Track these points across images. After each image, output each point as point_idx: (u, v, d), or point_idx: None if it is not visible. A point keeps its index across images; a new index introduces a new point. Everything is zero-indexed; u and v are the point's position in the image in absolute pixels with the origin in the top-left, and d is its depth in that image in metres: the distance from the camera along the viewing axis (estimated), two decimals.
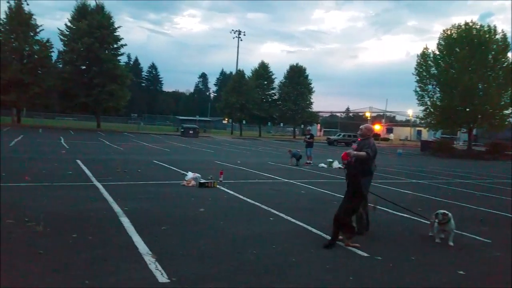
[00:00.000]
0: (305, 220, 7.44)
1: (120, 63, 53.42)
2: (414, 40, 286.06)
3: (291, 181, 13.30)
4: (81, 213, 7.00)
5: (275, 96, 70.66)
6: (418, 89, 45.99)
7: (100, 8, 51.11)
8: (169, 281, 4.30)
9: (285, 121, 73.72)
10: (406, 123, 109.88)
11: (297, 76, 67.49)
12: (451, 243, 6.51)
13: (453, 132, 60.30)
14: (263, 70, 69.37)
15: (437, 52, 44.59)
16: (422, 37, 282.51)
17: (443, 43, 44.05)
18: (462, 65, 41.37)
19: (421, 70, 45.53)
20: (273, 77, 70.54)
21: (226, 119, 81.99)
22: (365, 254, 5.71)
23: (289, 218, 7.68)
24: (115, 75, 49.48)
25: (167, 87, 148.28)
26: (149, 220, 6.82)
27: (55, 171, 11.91)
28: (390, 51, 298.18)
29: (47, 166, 12.88)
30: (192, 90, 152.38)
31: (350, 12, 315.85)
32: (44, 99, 48.78)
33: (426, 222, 7.38)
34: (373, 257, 5.62)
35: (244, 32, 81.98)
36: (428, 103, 45.70)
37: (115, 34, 51.71)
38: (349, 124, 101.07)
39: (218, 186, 10.94)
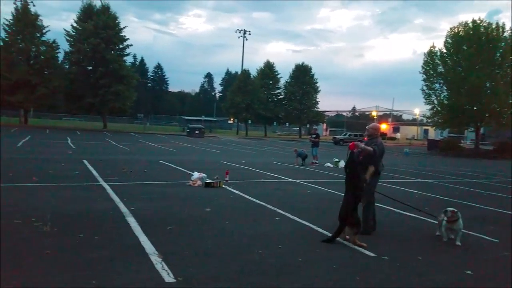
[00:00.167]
0: (311, 220, 7.42)
1: (126, 64, 53.53)
2: (420, 38, 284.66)
3: (297, 180, 13.28)
4: (88, 213, 7.03)
5: (281, 96, 70.60)
6: (425, 87, 45.82)
7: (105, 9, 51.27)
8: (175, 281, 4.30)
9: (290, 121, 73.62)
10: (413, 122, 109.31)
11: (303, 76, 67.39)
12: (458, 243, 6.47)
13: (460, 131, 59.96)
14: (268, 70, 69.33)
15: (444, 51, 44.37)
16: (429, 35, 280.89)
17: (450, 41, 43.81)
18: (469, 63, 41.12)
19: (428, 68, 45.32)
20: (278, 76, 70.54)
21: (232, 119, 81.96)
22: (372, 254, 5.69)
23: (295, 218, 7.67)
24: (121, 75, 49.63)
25: (173, 87, 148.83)
26: (155, 220, 6.83)
27: (62, 172, 11.96)
28: (397, 50, 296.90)
29: (54, 167, 12.93)
30: (197, 90, 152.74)
31: (356, 11, 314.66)
32: (51, 100, 49.04)
33: (433, 221, 7.34)
34: (380, 257, 5.60)
35: (250, 31, 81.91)
36: (435, 101, 45.50)
37: (121, 34, 51.84)
38: (355, 124, 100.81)
39: (224, 186, 10.94)
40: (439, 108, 45.20)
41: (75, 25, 50.52)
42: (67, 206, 7.50)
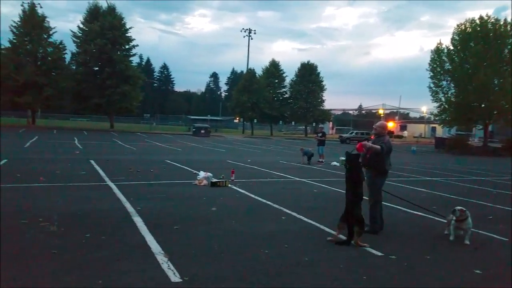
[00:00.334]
0: (317, 219, 7.38)
1: (132, 64, 53.78)
2: (427, 35, 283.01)
3: (303, 179, 13.24)
4: (95, 213, 7.05)
5: (287, 95, 70.56)
6: (432, 85, 45.53)
7: (111, 10, 51.47)
8: (181, 280, 4.29)
9: (296, 120, 73.59)
10: (420, 120, 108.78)
11: (308, 74, 67.28)
12: (467, 242, 6.40)
13: (468, 129, 59.56)
14: (274, 69, 69.28)
15: (451, 48, 44.07)
16: (436, 32, 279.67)
17: (457, 38, 43.48)
18: (477, 60, 40.79)
19: (435, 66, 45.03)
20: (284, 75, 70.50)
21: (237, 118, 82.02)
22: (379, 253, 5.65)
23: (301, 217, 7.64)
24: (127, 75, 49.84)
25: (179, 87, 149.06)
26: (161, 220, 6.83)
27: (69, 172, 12.02)
28: (404, 47, 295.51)
29: (61, 167, 12.99)
30: (203, 89, 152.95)
31: (362, 9, 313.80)
32: (58, 101, 49.37)
33: (441, 220, 7.28)
34: (388, 256, 5.55)
35: (255, 30, 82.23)
36: (443, 99, 45.21)
37: (127, 35, 52.09)
38: (362, 122, 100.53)
39: (229, 185, 10.93)
40: (446, 106, 44.91)
41: (81, 26, 50.89)
42: (74, 206, 7.52)
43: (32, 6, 47.41)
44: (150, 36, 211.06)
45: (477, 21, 42.37)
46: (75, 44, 50.95)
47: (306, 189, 11.38)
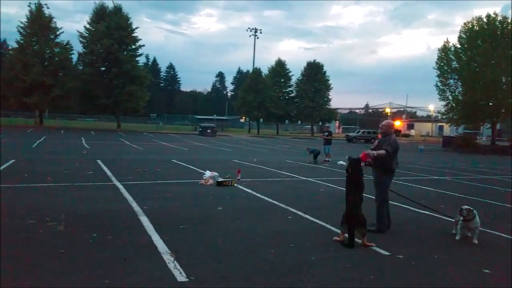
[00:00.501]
0: (324, 219, 7.35)
1: (138, 64, 53.97)
2: (434, 33, 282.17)
3: (309, 179, 13.21)
4: (101, 213, 7.06)
5: (293, 94, 70.51)
6: (439, 83, 45.36)
7: (118, 10, 51.64)
8: (187, 280, 4.29)
9: (302, 119, 73.48)
10: (428, 119, 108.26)
11: (315, 73, 67.21)
12: (475, 241, 6.35)
13: (476, 127, 59.18)
14: (280, 68, 69.22)
15: (459, 46, 43.81)
16: (443, 30, 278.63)
17: (464, 36, 43.25)
18: (484, 58, 40.53)
19: (442, 64, 44.84)
20: (290, 74, 70.40)
21: (244, 117, 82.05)
22: (387, 253, 5.61)
23: (307, 216, 7.61)
24: (134, 76, 50.02)
25: (185, 87, 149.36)
26: (168, 219, 6.84)
27: (76, 172, 12.07)
28: (410, 46, 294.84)
29: (68, 167, 13.05)
30: (209, 89, 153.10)
31: (369, 7, 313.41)
32: (66, 101, 49.57)
33: (449, 219, 7.22)
34: (395, 256, 5.52)
35: (261, 30, 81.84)
36: (450, 97, 45.01)
37: (133, 35, 52.27)
38: (368, 121, 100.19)
39: (236, 184, 10.92)
40: (453, 104, 44.69)
41: (88, 26, 51.13)
42: (81, 205, 7.55)
43: (39, 7, 47.71)
44: (156, 36, 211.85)
45: (484, 19, 42.09)
46: (81, 45, 51.29)
47: (313, 188, 11.34)
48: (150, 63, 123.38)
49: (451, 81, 45.11)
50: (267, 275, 4.56)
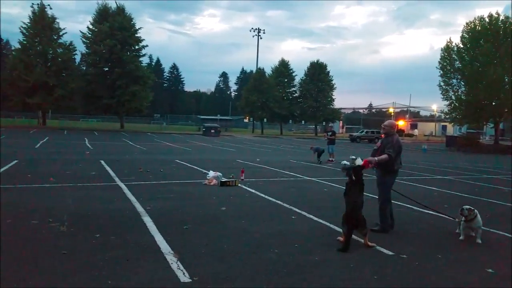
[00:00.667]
0: (328, 219, 7.33)
1: (142, 64, 54.01)
2: (437, 33, 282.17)
3: (313, 179, 13.18)
4: (104, 213, 7.06)
5: (296, 94, 70.48)
6: (442, 83, 45.25)
7: (121, 10, 51.70)
8: (191, 280, 4.28)
9: (306, 119, 73.39)
10: (431, 119, 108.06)
11: (318, 73, 67.14)
12: (479, 241, 6.32)
13: (479, 127, 58.99)
14: (283, 68, 69.20)
15: (461, 46, 43.69)
16: (446, 30, 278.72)
17: (467, 36, 43.14)
18: (487, 58, 40.39)
19: (445, 64, 44.73)
20: (293, 74, 70.37)
21: (247, 117, 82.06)
22: (390, 253, 5.59)
23: (311, 216, 7.59)
24: (137, 76, 50.08)
25: (189, 87, 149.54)
26: (171, 220, 6.83)
27: (79, 172, 12.08)
28: (413, 46, 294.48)
29: (71, 167, 13.07)
30: (213, 89, 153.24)
31: (371, 7, 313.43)
32: (69, 101, 49.72)
33: (453, 219, 7.18)
34: (398, 255, 5.50)
35: (264, 30, 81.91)
36: (453, 97, 44.90)
37: (136, 35, 52.30)
38: (372, 121, 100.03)
39: (239, 184, 10.91)
40: (457, 104, 44.59)
41: (91, 27, 51.16)
42: (84, 206, 7.55)
43: (42, 8, 47.85)
44: (159, 37, 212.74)
45: (486, 19, 41.97)
46: (84, 45, 51.39)
47: (316, 188, 11.32)
48: (153, 63, 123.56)
49: (454, 80, 45.00)
50: (270, 275, 4.54)
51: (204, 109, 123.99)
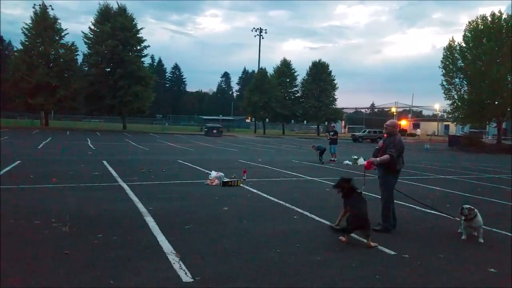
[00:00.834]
0: (329, 218, 7.31)
1: (144, 65, 54.05)
2: (439, 33, 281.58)
3: (315, 179, 13.18)
4: (107, 214, 7.07)
5: (298, 94, 70.45)
6: (444, 82, 45.15)
7: (122, 11, 51.73)
8: (193, 280, 4.28)
9: (308, 119, 73.33)
10: (433, 118, 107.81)
11: (320, 73, 67.08)
12: (481, 240, 6.31)
13: (482, 126, 58.87)
14: (285, 68, 69.15)
15: (464, 45, 43.59)
16: (448, 29, 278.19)
17: (469, 35, 43.03)
18: (490, 57, 40.28)
19: (447, 63, 44.65)
20: (295, 74, 70.33)
21: (249, 117, 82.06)
22: (392, 252, 5.58)
23: (313, 216, 7.59)
24: (139, 76, 50.13)
25: (191, 87, 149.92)
26: (173, 220, 6.83)
27: (81, 172, 12.10)
28: (416, 45, 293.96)
29: (74, 168, 13.09)
30: (215, 89, 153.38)
31: (374, 6, 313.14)
32: (71, 102, 49.81)
33: (455, 219, 7.16)
34: (401, 255, 5.49)
35: (266, 29, 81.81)
36: (455, 96, 44.81)
37: (138, 35, 52.34)
38: (374, 120, 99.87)
39: (241, 184, 10.91)
40: (459, 103, 44.48)
41: (92, 27, 51.22)
42: (86, 206, 7.56)
43: (44, 8, 47.95)
44: (161, 37, 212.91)
45: (489, 18, 41.87)
46: (86, 46, 51.41)
47: (319, 188, 11.31)
48: (155, 63, 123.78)
49: (457, 80, 44.91)
50: (272, 275, 4.54)
51: (206, 109, 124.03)
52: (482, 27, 42.10)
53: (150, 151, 22.74)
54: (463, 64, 43.70)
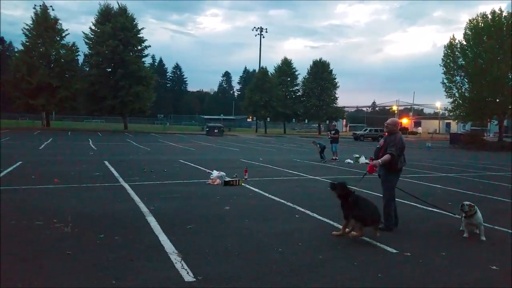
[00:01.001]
0: (331, 217, 7.33)
1: (144, 65, 54.00)
2: (440, 31, 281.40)
3: (316, 177, 13.18)
4: (108, 214, 7.08)
5: (299, 93, 70.42)
6: (445, 80, 45.04)
7: (123, 11, 51.70)
8: (195, 280, 4.29)
9: (309, 118, 73.30)
10: (435, 116, 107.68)
11: (321, 72, 67.05)
12: (483, 238, 6.30)
13: (483, 124, 58.74)
14: (286, 67, 69.12)
15: (464, 43, 43.52)
16: (449, 27, 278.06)
17: (470, 33, 42.95)
18: (490, 55, 40.20)
19: (448, 61, 44.55)
20: (296, 73, 70.31)
21: (251, 117, 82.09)
22: (394, 251, 5.58)
23: (315, 215, 7.59)
24: (140, 76, 50.11)
25: (192, 87, 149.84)
26: (175, 219, 6.84)
27: (83, 173, 12.11)
28: (416, 43, 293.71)
29: (75, 168, 13.11)
30: (216, 89, 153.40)
31: (374, 5, 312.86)
32: (72, 102, 49.78)
33: (457, 216, 7.17)
34: (402, 254, 5.49)
35: (266, 29, 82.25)
36: (457, 94, 44.72)
37: (139, 36, 52.28)
38: (375, 119, 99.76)
39: (243, 184, 10.91)
40: (460, 101, 44.40)
41: (93, 27, 51.17)
42: (88, 206, 7.57)
43: (44, 9, 47.96)
44: (162, 37, 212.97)
45: (489, 16, 41.79)
46: (87, 46, 51.34)
47: (320, 187, 11.30)
48: (156, 63, 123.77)
49: (458, 78, 44.81)
50: (274, 275, 4.54)
51: (207, 109, 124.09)
52: (482, 25, 42.00)
53: (152, 151, 22.75)
54: (464, 62, 43.58)
